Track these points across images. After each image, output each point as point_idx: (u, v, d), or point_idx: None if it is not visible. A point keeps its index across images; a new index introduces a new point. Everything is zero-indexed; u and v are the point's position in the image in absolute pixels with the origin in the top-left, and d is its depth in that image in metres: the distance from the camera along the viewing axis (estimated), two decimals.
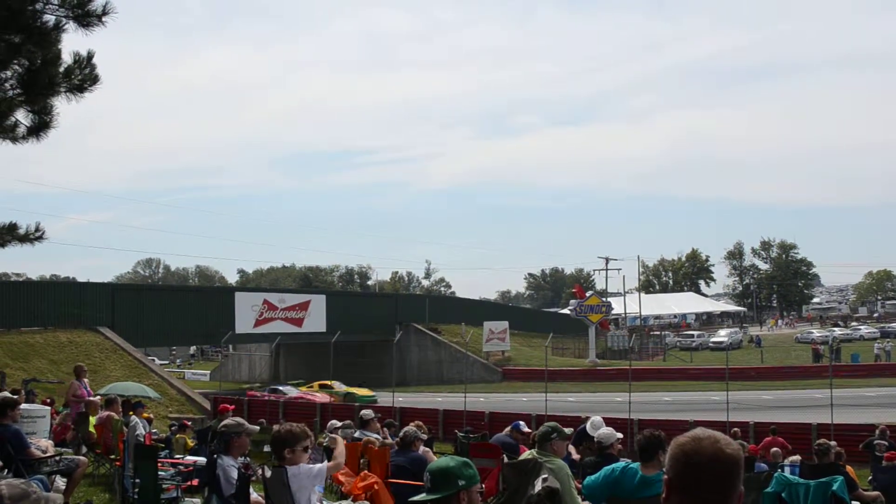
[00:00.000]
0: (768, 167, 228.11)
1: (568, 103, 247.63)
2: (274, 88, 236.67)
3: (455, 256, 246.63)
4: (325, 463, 6.96)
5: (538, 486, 6.76)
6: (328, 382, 44.29)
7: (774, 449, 17.42)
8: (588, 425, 12.82)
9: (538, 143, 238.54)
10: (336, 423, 16.64)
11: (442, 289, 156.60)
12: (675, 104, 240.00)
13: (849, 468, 13.38)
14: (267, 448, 13.95)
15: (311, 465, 7.00)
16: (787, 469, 13.31)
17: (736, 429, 22.91)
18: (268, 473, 7.08)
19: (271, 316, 50.88)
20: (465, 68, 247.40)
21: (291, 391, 43.08)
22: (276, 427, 7.49)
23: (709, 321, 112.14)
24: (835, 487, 7.69)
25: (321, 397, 40.59)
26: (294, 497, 6.68)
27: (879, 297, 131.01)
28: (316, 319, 53.12)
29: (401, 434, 11.29)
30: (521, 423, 13.38)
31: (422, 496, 3.69)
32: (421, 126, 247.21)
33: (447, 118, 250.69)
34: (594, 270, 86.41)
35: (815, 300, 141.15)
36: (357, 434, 13.51)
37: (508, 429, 13.23)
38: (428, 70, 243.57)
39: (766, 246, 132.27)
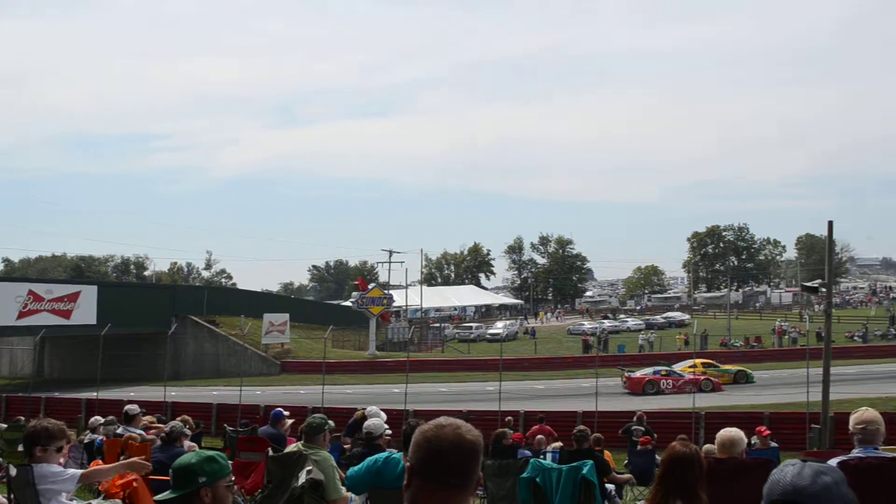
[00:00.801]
0: (550, 164, 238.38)
1: (361, 96, 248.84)
2: (54, 73, 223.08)
3: (239, 247, 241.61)
4: (80, 470, 6.57)
5: (302, 478, 6.70)
6: (710, 361, 40.97)
7: (539, 436, 18.10)
8: (366, 414, 12.89)
9: (328, 135, 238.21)
10: (99, 419, 15.84)
11: (223, 280, 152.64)
12: (462, 101, 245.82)
13: (606, 453, 14.11)
14: (21, 447, 13.11)
15: (64, 469, 6.62)
16: (548, 455, 13.88)
17: (509, 417, 23.74)
18: (13, 472, 6.64)
19: (37, 307, 48.03)
20: (259, 56, 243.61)
21: (681, 373, 38.70)
22: (32, 423, 7.04)
23: (488, 313, 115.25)
24: (584, 471, 8.08)
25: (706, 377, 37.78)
26: (39, 498, 6.28)
27: (647, 291, 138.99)
28: (86, 311, 50.60)
29: (166, 429, 10.90)
30: (280, 409, 13.25)
31: (165, 494, 3.57)
32: (209, 114, 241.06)
33: (237, 107, 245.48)
34: (378, 263, 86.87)
35: (588, 293, 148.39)
36: (120, 430, 12.93)
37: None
38: (222, 57, 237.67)
39: (544, 241, 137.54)
